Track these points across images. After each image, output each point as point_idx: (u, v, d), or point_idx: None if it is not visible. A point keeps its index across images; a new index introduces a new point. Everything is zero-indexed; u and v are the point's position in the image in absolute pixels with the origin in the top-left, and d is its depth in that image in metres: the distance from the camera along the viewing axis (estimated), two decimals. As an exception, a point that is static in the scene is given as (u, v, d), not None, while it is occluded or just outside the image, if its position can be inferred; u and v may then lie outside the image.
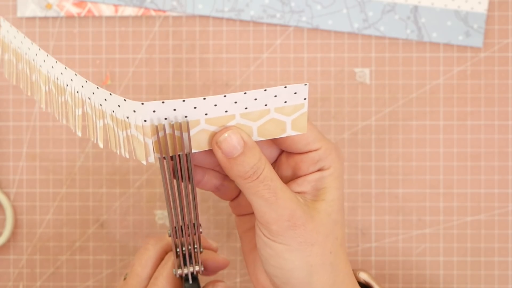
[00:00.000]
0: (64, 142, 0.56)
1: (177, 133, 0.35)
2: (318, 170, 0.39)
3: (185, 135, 0.36)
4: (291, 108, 0.37)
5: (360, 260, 0.56)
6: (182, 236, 0.40)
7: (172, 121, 0.35)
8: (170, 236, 0.41)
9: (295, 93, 0.37)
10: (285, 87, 0.36)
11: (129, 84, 0.56)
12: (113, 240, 0.56)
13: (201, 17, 0.56)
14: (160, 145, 0.35)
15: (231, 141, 0.36)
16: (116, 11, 0.56)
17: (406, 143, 0.56)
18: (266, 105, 0.36)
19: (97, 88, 0.35)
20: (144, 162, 0.35)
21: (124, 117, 0.35)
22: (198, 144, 0.36)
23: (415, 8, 0.55)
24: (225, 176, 0.41)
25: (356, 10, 0.55)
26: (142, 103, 0.34)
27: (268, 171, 0.37)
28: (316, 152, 0.39)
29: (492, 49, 0.55)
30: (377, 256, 0.56)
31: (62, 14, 0.56)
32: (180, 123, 0.35)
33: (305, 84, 0.37)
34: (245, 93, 0.35)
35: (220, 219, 0.56)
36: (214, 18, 0.56)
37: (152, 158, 0.35)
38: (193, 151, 0.36)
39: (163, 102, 0.34)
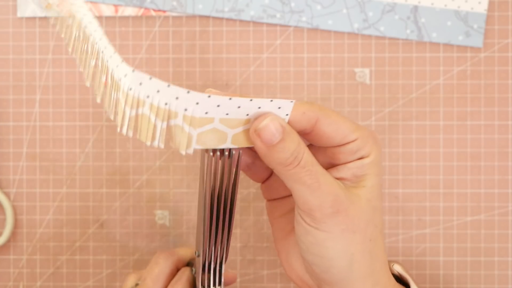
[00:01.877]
0: (64, 142, 0.56)
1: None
2: (358, 159, 0.39)
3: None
4: None
5: (360, 260, 0.56)
6: (211, 257, 0.40)
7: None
8: (198, 256, 0.41)
9: (279, 108, 0.36)
10: (271, 100, 0.36)
11: (129, 84, 0.56)
12: (113, 240, 0.56)
13: (201, 17, 0.56)
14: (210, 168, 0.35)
15: (270, 129, 0.35)
16: (116, 11, 0.56)
17: (406, 143, 0.56)
18: (247, 114, 0.36)
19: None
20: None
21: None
22: (171, 136, 0.35)
23: (415, 8, 0.55)
24: (257, 154, 0.40)
25: (356, 10, 0.55)
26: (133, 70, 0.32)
27: (309, 156, 0.36)
28: (354, 142, 0.38)
29: (492, 49, 0.55)
30: (377, 256, 0.56)
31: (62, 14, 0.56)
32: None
33: (292, 101, 0.36)
34: (230, 98, 0.34)
35: (220, 219, 0.56)
36: (214, 18, 0.56)
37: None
38: (161, 145, 0.34)
39: (150, 79, 0.32)
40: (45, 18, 0.56)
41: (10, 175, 0.56)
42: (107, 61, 0.35)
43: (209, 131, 0.35)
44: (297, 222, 0.38)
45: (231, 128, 0.36)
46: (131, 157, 0.56)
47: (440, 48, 0.55)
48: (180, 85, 0.56)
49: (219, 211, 0.38)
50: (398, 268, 0.42)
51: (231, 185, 0.37)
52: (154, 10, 0.56)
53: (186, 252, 0.48)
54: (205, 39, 0.56)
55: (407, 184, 0.56)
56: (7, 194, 0.56)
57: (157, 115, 0.33)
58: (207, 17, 0.56)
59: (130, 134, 0.33)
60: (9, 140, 0.56)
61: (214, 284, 0.42)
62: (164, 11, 0.56)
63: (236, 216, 0.56)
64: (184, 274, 0.44)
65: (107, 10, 0.56)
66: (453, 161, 0.55)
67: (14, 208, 0.56)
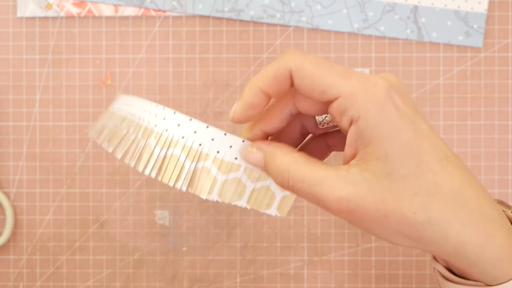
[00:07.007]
0: (64, 142, 0.56)
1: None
2: (351, 124, 0.31)
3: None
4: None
5: (360, 260, 0.56)
6: None
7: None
8: None
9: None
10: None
11: (129, 84, 0.56)
12: (113, 240, 0.56)
13: (201, 17, 0.56)
14: None
15: (251, 159, 0.33)
16: (116, 11, 0.56)
17: (406, 143, 0.55)
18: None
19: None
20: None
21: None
22: (194, 179, 0.33)
23: (415, 8, 0.55)
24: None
25: (356, 10, 0.55)
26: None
27: (295, 173, 0.32)
28: (337, 101, 0.31)
29: (492, 49, 0.55)
30: (377, 256, 0.56)
31: (62, 14, 0.56)
32: None
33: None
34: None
35: (220, 219, 0.56)
36: (214, 18, 0.56)
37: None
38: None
39: (191, 120, 0.32)
40: (45, 18, 0.56)
41: (10, 175, 0.56)
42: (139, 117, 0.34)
43: (231, 181, 0.33)
44: None
45: (252, 182, 0.34)
46: (131, 157, 0.56)
47: (440, 48, 0.55)
48: (180, 85, 0.56)
49: None
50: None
51: None
52: (154, 10, 0.56)
53: None
54: (205, 39, 0.56)
55: (407, 184, 0.55)
56: (7, 194, 0.56)
57: (188, 155, 0.32)
58: (207, 17, 0.56)
59: (153, 174, 0.33)
60: (9, 140, 0.56)
61: None
62: (164, 11, 0.56)
63: (236, 216, 0.56)
64: None
65: (107, 10, 0.56)
66: (453, 161, 0.55)
67: (14, 208, 0.56)
